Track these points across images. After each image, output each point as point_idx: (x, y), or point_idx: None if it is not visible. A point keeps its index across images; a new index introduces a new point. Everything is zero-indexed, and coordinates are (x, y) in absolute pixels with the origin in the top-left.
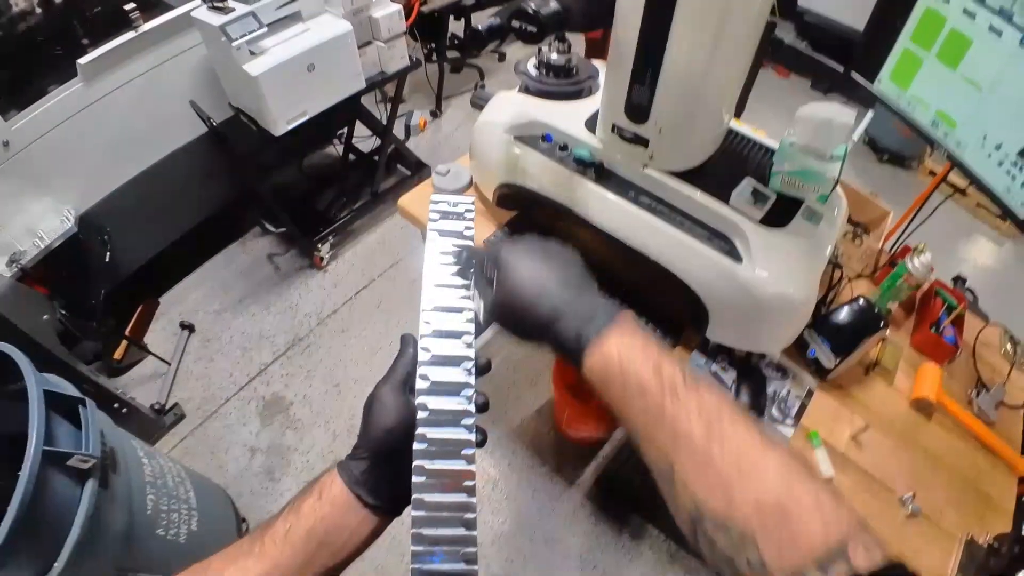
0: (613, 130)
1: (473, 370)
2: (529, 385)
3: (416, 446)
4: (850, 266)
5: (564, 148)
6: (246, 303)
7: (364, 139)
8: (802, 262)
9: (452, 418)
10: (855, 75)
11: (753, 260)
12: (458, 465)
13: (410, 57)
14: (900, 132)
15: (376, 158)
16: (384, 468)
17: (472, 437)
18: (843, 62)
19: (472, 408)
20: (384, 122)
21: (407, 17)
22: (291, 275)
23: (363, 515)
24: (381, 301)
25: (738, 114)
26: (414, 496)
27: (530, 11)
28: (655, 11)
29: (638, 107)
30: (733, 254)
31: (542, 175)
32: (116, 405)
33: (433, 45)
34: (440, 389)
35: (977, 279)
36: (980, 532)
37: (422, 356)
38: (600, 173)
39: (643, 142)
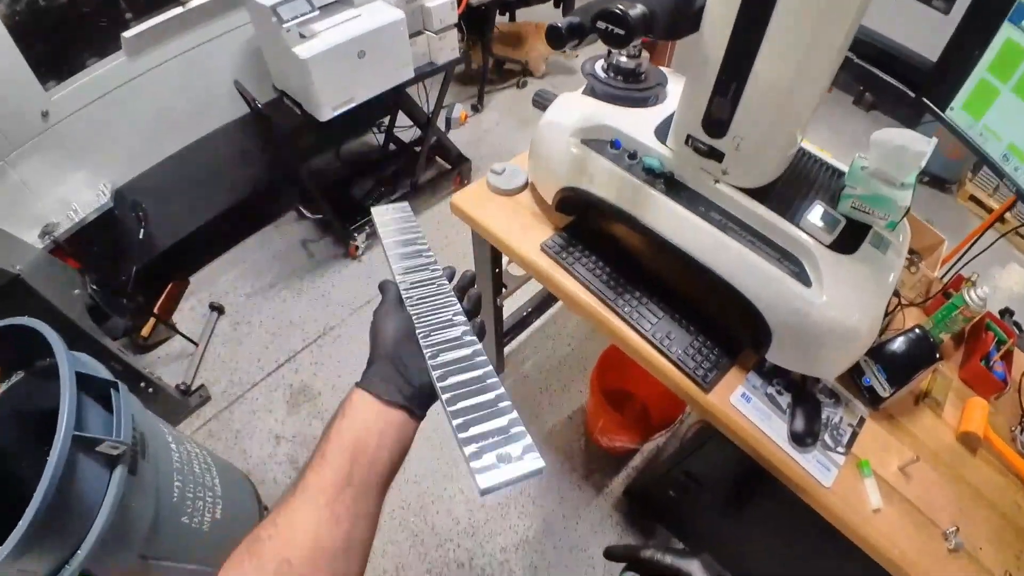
0: (687, 142)
1: (443, 278)
2: (562, 390)
3: (423, 342)
4: (904, 293)
5: (633, 156)
6: (278, 288)
7: (404, 128)
8: (869, 290)
9: (442, 311)
10: (926, 101)
11: (822, 285)
12: (463, 351)
13: (459, 49)
14: (942, 155)
15: (417, 149)
16: (399, 371)
17: (463, 318)
18: (900, 83)
19: (454, 297)
20: (427, 112)
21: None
22: (325, 263)
23: (386, 418)
24: None
25: None
26: (438, 384)
27: (618, 12)
28: (748, 22)
29: (717, 120)
30: (802, 277)
31: (609, 182)
32: (142, 384)
33: (479, 38)
34: (423, 296)
35: (1016, 309)
36: (1018, 569)
37: (402, 283)
38: (670, 184)
39: (718, 156)
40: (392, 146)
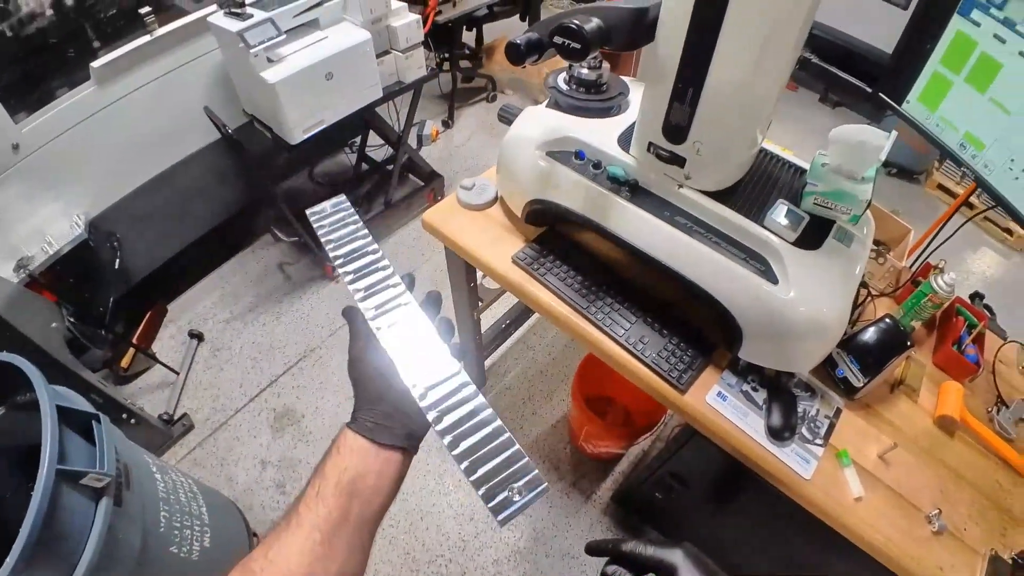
0: (649, 149)
1: (411, 296)
2: (545, 400)
3: (409, 385)
4: (873, 284)
5: (598, 166)
6: (256, 312)
7: (375, 148)
8: (836, 284)
9: (419, 346)
10: (883, 96)
11: (789, 282)
12: (449, 384)
13: (426, 67)
14: (909, 146)
15: (389, 167)
16: (390, 415)
17: (443, 347)
18: (859, 78)
19: (426, 320)
20: (398, 131)
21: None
22: (302, 285)
23: (384, 456)
24: None
25: None
26: (436, 429)
27: (574, 27)
28: (701, 29)
29: (677, 126)
30: (768, 275)
31: (575, 192)
32: (124, 415)
33: (446, 55)
34: (394, 326)
35: (988, 293)
36: (1003, 547)
37: (365, 309)
38: (635, 192)
39: (680, 161)
40: (365, 165)
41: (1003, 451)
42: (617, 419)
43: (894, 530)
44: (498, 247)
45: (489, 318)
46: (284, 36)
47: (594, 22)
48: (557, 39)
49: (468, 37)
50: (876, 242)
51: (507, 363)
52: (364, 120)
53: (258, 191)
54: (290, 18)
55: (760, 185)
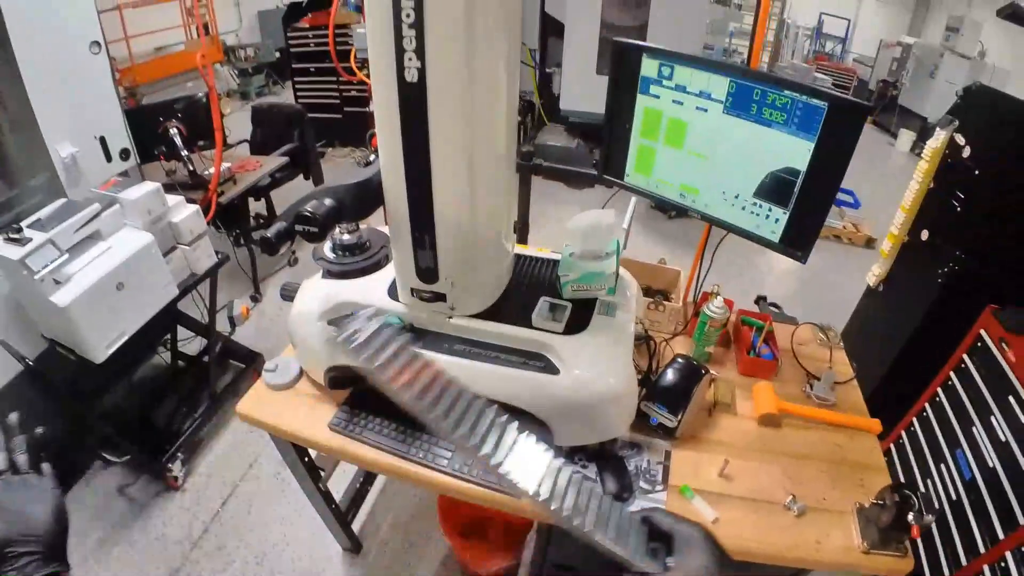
0: (413, 294)
1: None
2: (425, 541)
3: None
4: (662, 330)
5: None
6: (107, 547)
7: (189, 340)
8: (612, 353)
9: None
10: (607, 176)
11: (568, 368)
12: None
13: (217, 252)
14: None
15: (206, 358)
16: None
17: None
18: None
19: None
20: (205, 321)
21: (206, 213)
22: (148, 504)
23: None
24: (251, 505)
25: (523, 239)
26: None
27: (307, 214)
28: (416, 182)
29: (427, 269)
30: (550, 369)
31: None
32: None
33: (239, 231)
34: None
35: (777, 287)
36: (864, 494)
37: None
38: (413, 334)
39: (442, 297)
40: (181, 363)
41: (827, 417)
42: (500, 530)
43: (758, 532)
44: (314, 419)
45: (343, 481)
46: (67, 255)
47: (326, 204)
48: (297, 227)
49: (259, 206)
50: (655, 292)
51: (377, 518)
52: (169, 318)
53: (76, 417)
54: (70, 235)
55: (523, 291)
